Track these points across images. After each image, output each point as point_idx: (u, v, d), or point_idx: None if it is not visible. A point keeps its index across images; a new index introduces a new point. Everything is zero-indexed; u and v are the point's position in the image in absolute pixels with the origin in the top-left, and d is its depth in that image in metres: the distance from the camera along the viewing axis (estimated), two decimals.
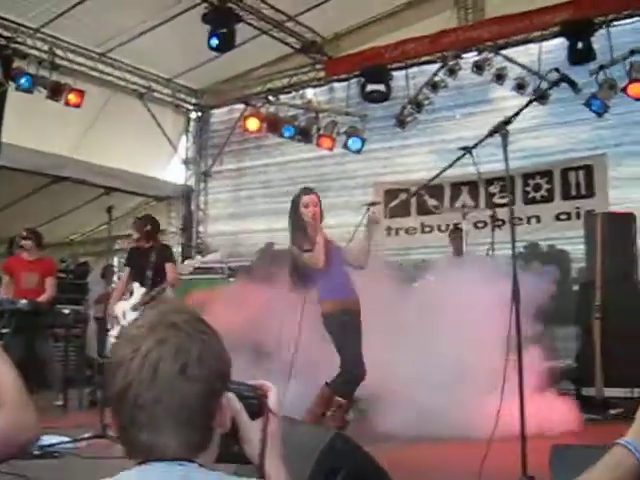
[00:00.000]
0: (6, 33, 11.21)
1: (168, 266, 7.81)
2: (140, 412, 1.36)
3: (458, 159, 4.58)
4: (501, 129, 4.02)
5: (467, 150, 4.61)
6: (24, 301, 8.08)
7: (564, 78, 4.48)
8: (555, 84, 4.61)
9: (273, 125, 12.53)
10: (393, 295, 7.55)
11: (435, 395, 6.33)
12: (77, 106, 11.58)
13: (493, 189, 10.62)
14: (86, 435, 5.86)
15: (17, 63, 11.26)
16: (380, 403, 7.05)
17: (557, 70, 4.82)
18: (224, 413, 1.48)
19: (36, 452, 4.81)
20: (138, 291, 7.67)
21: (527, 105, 4.33)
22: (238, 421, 1.57)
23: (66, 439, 5.39)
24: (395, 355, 6.90)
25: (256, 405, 1.61)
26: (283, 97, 13.21)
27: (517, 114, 4.08)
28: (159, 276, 7.72)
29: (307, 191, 6.42)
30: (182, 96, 14.48)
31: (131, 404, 1.36)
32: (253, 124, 12.49)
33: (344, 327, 6.05)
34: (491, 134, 4.09)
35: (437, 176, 4.77)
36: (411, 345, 7.00)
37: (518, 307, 4.18)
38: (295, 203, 6.25)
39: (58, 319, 9.03)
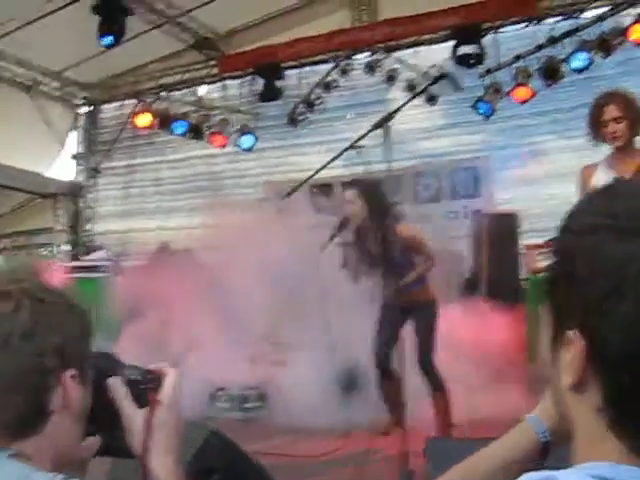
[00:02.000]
0: None
1: None
2: None
3: (340, 154, 4.58)
4: (383, 124, 4.04)
5: (349, 148, 4.62)
6: None
7: (444, 75, 4.55)
8: (436, 81, 4.68)
9: (164, 122, 12.31)
10: None
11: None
12: None
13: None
14: None
15: None
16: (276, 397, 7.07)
17: (439, 68, 4.89)
18: (69, 393, 1.31)
19: None
20: None
21: (409, 100, 4.38)
22: (121, 409, 1.43)
23: None
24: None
25: (145, 391, 1.44)
26: (175, 93, 13.01)
27: (398, 110, 4.12)
28: None
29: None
30: (71, 90, 14.05)
31: None
32: (144, 120, 12.25)
33: None
34: (374, 129, 4.11)
35: (317, 172, 4.76)
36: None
37: None
38: None
39: None
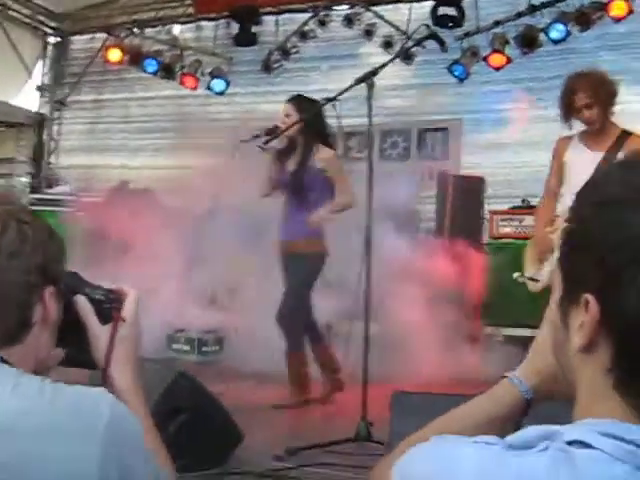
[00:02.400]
0: None
1: None
2: None
3: (324, 105, 4.58)
4: (367, 79, 4.03)
5: (330, 100, 4.61)
6: None
7: (432, 35, 4.55)
8: (423, 40, 4.68)
9: (136, 58, 12.07)
10: None
11: None
12: None
13: (351, 143, 10.77)
14: None
15: None
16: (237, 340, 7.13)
17: (427, 27, 4.88)
18: (48, 308, 1.45)
19: None
20: None
21: (393, 59, 4.37)
22: (87, 325, 1.59)
23: None
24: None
25: (109, 310, 1.60)
26: (148, 31, 12.74)
27: (384, 66, 4.10)
28: None
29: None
30: (41, 18, 13.69)
31: None
32: (115, 55, 12.01)
33: None
34: (357, 83, 4.10)
35: (293, 125, 4.74)
36: None
37: (370, 259, 4.22)
38: None
39: None
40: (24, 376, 1.33)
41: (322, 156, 5.56)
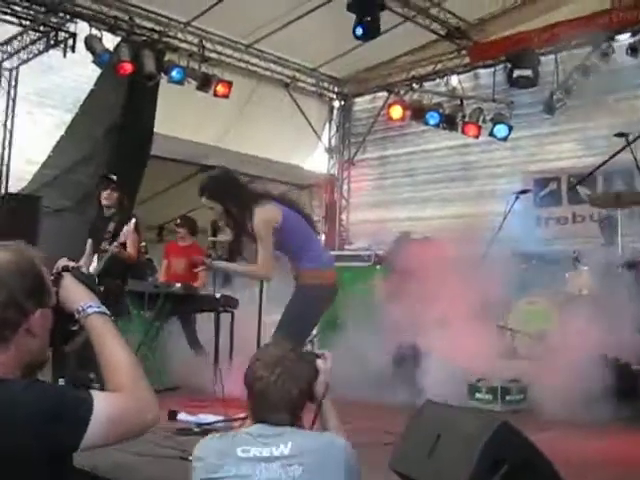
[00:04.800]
0: (158, 27, 11.65)
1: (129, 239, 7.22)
2: None
3: (620, 149, 4.43)
4: None
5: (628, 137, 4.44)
6: (178, 285, 8.29)
7: None
8: None
9: (417, 113, 12.46)
10: None
11: None
12: (225, 96, 11.97)
13: None
14: (241, 415, 5.99)
15: (168, 56, 11.68)
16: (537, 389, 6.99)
17: None
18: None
19: (196, 430, 4.98)
20: (92, 264, 7.22)
21: None
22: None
23: (221, 418, 5.53)
24: None
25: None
26: (427, 84, 13.11)
27: None
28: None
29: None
30: (325, 85, 14.61)
31: None
32: (397, 112, 12.47)
33: None
34: None
35: (599, 167, 4.59)
36: None
37: None
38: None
39: (207, 303, 8.92)
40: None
41: (254, 222, 5.30)
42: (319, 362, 2.84)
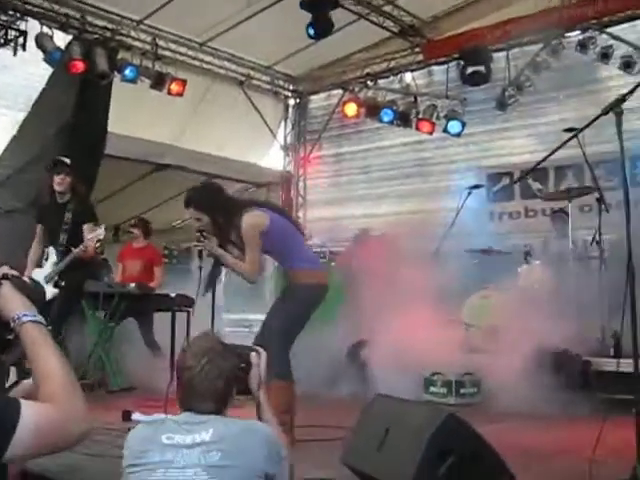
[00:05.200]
0: (111, 25, 11.53)
1: (85, 228, 7.16)
2: None
3: (567, 141, 4.48)
4: (616, 107, 3.90)
5: (575, 131, 4.49)
6: (133, 285, 8.24)
7: None
8: None
9: (371, 110, 12.51)
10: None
11: None
12: (179, 95, 11.89)
13: (599, 172, 10.30)
14: None
15: (121, 54, 11.57)
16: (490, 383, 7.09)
17: None
18: None
19: None
20: (51, 258, 7.20)
21: None
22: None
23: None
24: None
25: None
26: (381, 82, 13.16)
27: (632, 92, 3.95)
28: (75, 240, 7.14)
29: None
30: (280, 83, 14.58)
31: None
32: (351, 109, 12.51)
33: None
34: (605, 113, 3.97)
35: (544, 159, 4.62)
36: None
37: (633, 285, 3.87)
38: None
39: (163, 303, 8.79)
40: None
41: (242, 228, 5.31)
42: (253, 356, 2.96)
